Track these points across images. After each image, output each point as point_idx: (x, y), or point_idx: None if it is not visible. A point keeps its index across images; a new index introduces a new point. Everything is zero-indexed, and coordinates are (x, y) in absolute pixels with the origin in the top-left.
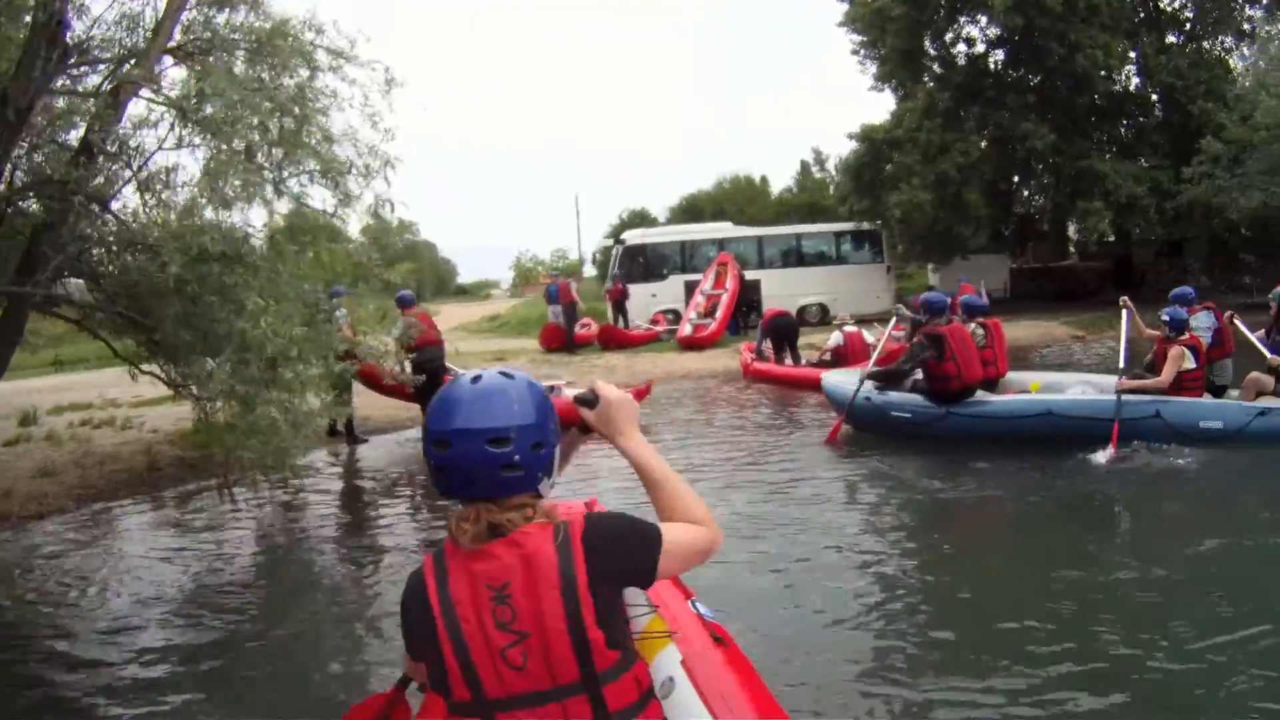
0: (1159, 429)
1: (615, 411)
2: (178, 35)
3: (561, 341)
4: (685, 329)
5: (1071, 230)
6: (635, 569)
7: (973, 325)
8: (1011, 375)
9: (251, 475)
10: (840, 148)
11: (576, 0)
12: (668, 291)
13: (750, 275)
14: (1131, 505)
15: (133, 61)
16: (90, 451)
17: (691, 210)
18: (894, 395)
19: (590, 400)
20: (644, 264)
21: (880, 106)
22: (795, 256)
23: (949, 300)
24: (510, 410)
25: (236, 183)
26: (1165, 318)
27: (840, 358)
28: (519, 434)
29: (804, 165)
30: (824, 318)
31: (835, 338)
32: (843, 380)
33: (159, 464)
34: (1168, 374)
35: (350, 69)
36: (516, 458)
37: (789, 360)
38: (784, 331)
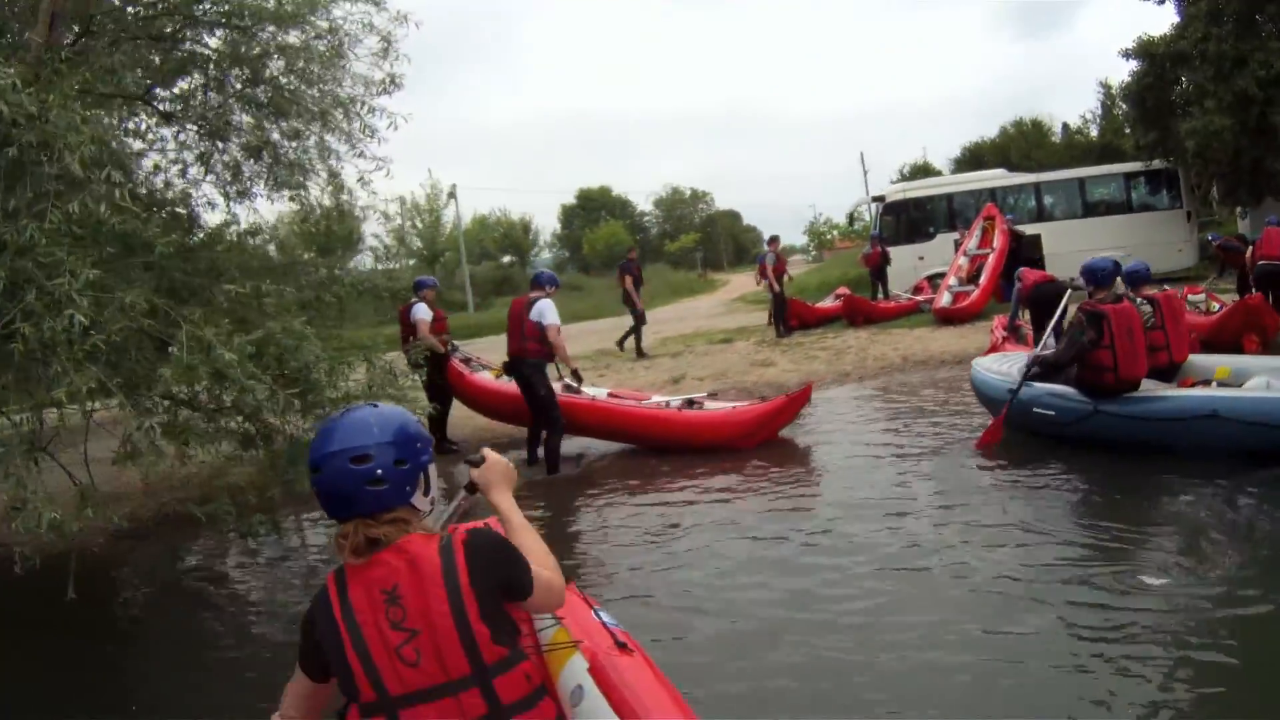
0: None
1: (491, 472)
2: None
3: (804, 317)
4: (943, 298)
5: None
6: (511, 578)
7: (1139, 300)
8: (1196, 359)
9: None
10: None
11: None
12: (935, 253)
13: (1029, 230)
14: None
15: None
16: (169, 474)
17: (974, 160)
18: (1040, 386)
19: (477, 461)
20: (907, 222)
21: (1164, 20)
22: (1080, 205)
23: (1113, 265)
24: (369, 431)
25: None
26: None
27: None
28: (378, 450)
29: (1104, 104)
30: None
31: None
32: (997, 367)
33: (213, 496)
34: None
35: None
36: (379, 472)
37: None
38: (1048, 302)
